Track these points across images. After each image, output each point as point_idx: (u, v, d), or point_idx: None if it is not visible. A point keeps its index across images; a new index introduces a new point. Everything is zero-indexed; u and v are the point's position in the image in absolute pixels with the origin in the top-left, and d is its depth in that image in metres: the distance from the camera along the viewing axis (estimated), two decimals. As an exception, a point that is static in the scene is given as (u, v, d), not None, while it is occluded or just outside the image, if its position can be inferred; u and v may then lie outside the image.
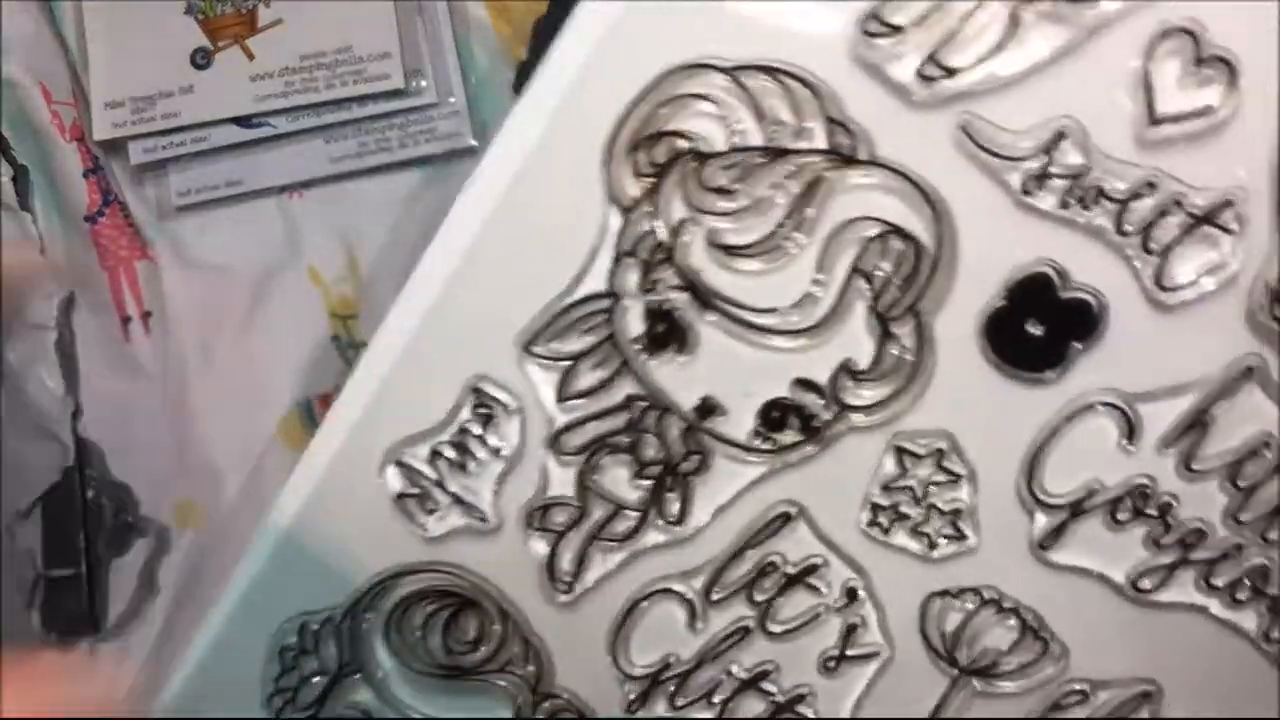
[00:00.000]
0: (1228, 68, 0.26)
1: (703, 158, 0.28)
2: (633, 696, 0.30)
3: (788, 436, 0.29)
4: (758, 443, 0.29)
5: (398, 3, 0.44)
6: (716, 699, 0.31)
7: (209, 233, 0.47)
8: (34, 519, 0.48)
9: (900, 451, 0.29)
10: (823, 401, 0.29)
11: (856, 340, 0.29)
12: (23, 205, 0.48)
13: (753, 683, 0.31)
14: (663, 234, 0.29)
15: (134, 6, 0.46)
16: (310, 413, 0.46)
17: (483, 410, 0.30)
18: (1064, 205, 0.27)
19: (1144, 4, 0.26)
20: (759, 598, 0.30)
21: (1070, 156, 0.27)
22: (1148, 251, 0.27)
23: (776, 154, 0.28)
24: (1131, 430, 0.28)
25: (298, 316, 0.47)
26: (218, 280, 0.47)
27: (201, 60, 0.46)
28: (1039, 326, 0.28)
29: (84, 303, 0.49)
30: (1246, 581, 0.29)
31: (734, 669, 0.30)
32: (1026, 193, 0.27)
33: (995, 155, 0.27)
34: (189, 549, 0.47)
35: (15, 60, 0.47)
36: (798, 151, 0.28)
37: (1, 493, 0.48)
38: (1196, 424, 0.28)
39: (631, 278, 0.29)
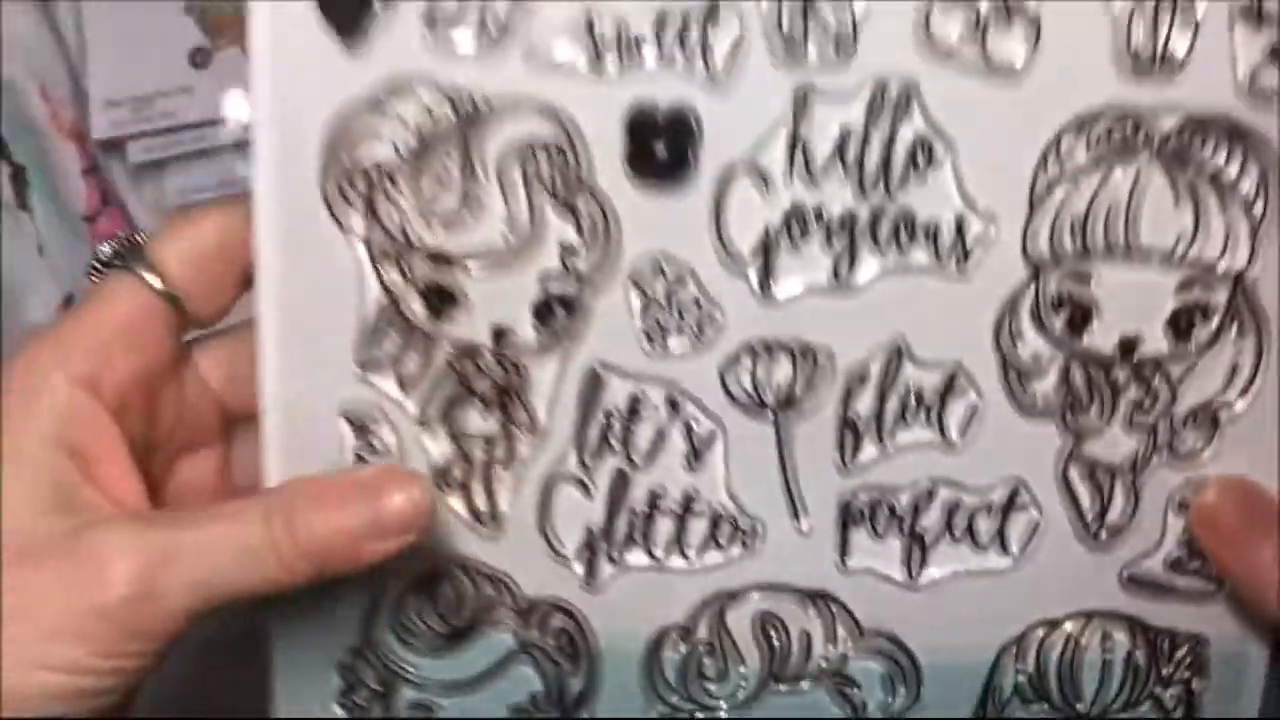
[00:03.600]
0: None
1: (386, 172, 0.34)
2: (582, 570, 0.39)
3: (560, 320, 0.36)
4: (545, 336, 0.36)
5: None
6: (638, 535, 0.39)
7: (207, 231, 0.48)
8: None
9: (636, 285, 0.36)
10: (568, 286, 0.35)
11: (560, 227, 0.35)
12: (21, 205, 0.48)
13: (654, 506, 0.38)
14: (399, 236, 0.35)
15: (133, 7, 0.46)
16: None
17: (364, 438, 0.38)
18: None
19: None
20: (615, 445, 0.38)
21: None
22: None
23: (428, 143, 0.34)
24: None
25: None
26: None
27: (200, 59, 0.46)
28: (661, 145, 0.34)
29: None
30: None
31: (637, 505, 0.38)
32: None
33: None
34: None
35: (15, 60, 0.47)
36: (440, 132, 0.34)
37: None
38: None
39: (395, 274, 0.35)
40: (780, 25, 0.34)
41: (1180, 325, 0.36)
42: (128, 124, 0.46)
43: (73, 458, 0.33)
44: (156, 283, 0.36)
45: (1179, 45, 0.34)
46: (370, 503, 0.33)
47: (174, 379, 0.37)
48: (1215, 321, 0.36)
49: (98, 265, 0.37)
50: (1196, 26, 0.34)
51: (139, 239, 0.37)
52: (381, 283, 0.36)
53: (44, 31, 0.47)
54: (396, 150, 0.35)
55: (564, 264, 0.35)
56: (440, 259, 0.35)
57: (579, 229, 0.35)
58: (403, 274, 0.36)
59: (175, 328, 0.37)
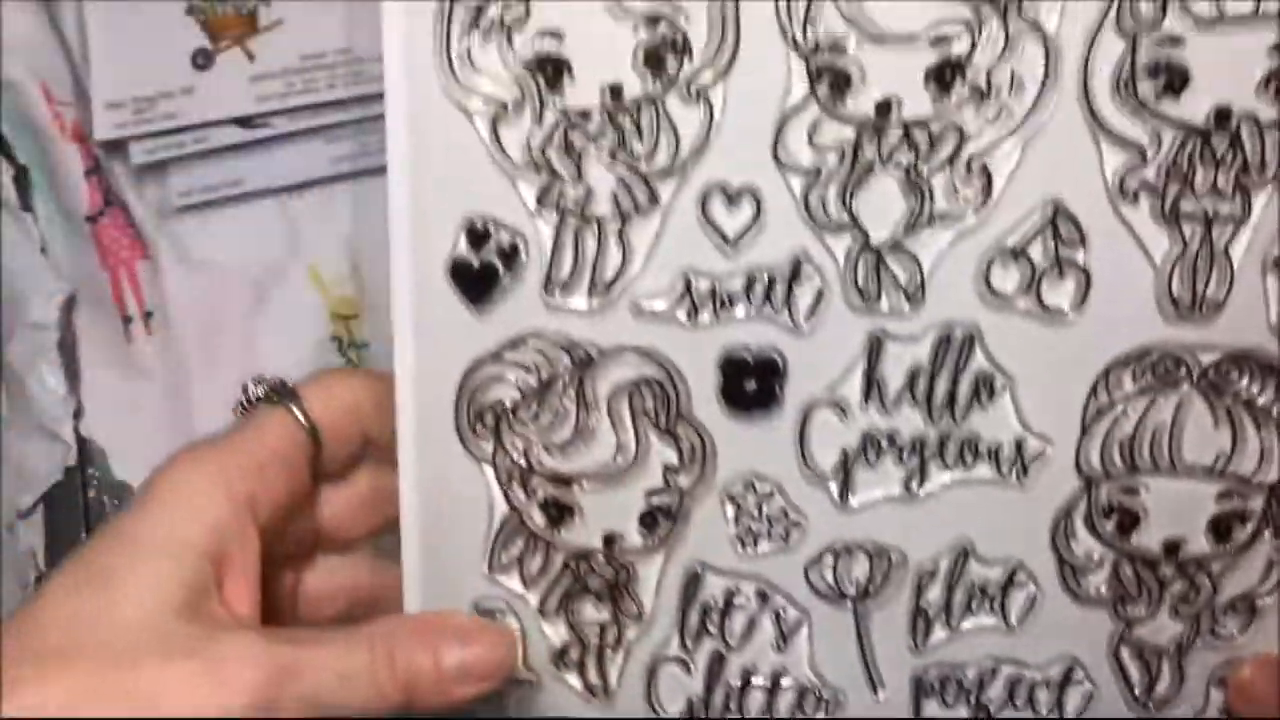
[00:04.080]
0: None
1: (510, 409, 0.39)
2: (686, 731, 0.44)
3: (663, 527, 0.41)
4: (650, 540, 0.42)
5: (399, 3, 0.43)
6: (733, 704, 0.44)
7: (210, 233, 0.47)
8: (36, 518, 0.49)
9: (730, 499, 0.41)
10: (670, 499, 0.42)
11: (662, 451, 0.41)
12: (24, 205, 0.48)
13: (747, 681, 0.44)
14: (521, 461, 0.40)
15: (135, 7, 0.45)
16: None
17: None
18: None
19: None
20: (713, 630, 0.43)
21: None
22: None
23: (547, 384, 0.39)
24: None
25: (298, 316, 0.47)
26: (219, 280, 0.47)
27: (202, 61, 0.45)
28: (751, 382, 0.39)
29: (85, 303, 0.48)
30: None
31: (732, 680, 0.44)
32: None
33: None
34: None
35: (16, 60, 0.46)
36: (557, 375, 0.39)
37: (3, 492, 0.48)
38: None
39: (519, 491, 0.41)
40: (856, 281, 0.39)
41: (1220, 529, 0.40)
42: (130, 125, 0.45)
43: (215, 568, 0.35)
44: (304, 419, 0.40)
45: (1217, 292, 0.38)
46: (461, 649, 0.38)
47: (304, 508, 0.42)
48: (1252, 525, 0.40)
49: (247, 401, 0.42)
50: (1232, 276, 0.38)
51: (287, 382, 0.42)
52: (507, 500, 0.41)
53: (46, 32, 0.46)
54: (519, 391, 0.40)
55: (666, 481, 0.41)
56: (558, 479, 0.40)
57: (679, 453, 0.40)
58: (525, 492, 0.41)
59: (314, 463, 0.41)
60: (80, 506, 0.48)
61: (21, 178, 0.48)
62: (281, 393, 0.41)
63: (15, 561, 0.49)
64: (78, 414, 0.48)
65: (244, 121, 0.46)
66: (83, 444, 0.48)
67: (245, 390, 0.40)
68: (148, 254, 0.48)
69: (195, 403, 0.48)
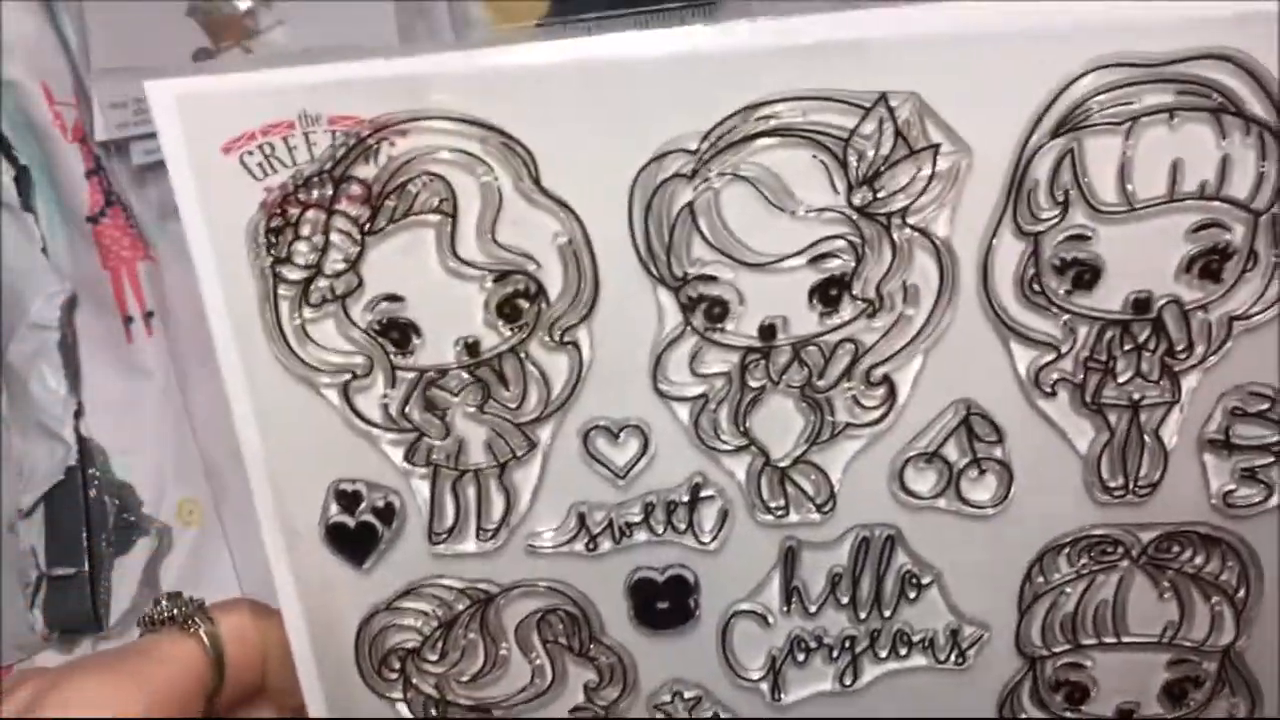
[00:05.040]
0: None
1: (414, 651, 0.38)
2: None
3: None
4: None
5: (398, 3, 0.44)
6: None
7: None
8: (37, 518, 0.48)
9: (658, 707, 0.39)
10: (596, 712, 0.39)
11: (580, 673, 0.39)
12: (25, 205, 0.48)
13: None
14: (434, 694, 0.38)
15: (136, 8, 0.46)
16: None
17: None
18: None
19: None
20: None
21: None
22: None
23: (449, 624, 0.37)
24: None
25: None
26: (219, 280, 0.44)
27: (203, 61, 0.45)
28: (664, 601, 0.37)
29: (86, 303, 0.49)
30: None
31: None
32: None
33: None
34: (191, 548, 0.48)
35: (17, 60, 0.46)
36: (458, 614, 0.37)
37: (4, 491, 0.48)
38: None
39: None
40: (762, 497, 0.36)
41: (1174, 693, 0.38)
42: (131, 125, 0.46)
43: None
44: (212, 653, 0.38)
45: (1150, 473, 0.35)
46: None
47: None
48: (1208, 687, 0.38)
49: (155, 616, 0.40)
50: (1166, 457, 0.35)
51: (204, 606, 0.40)
52: (420, 725, 0.39)
53: (47, 32, 0.47)
54: (420, 634, 0.38)
55: (590, 698, 0.39)
56: (476, 707, 0.39)
57: (598, 672, 0.38)
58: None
59: (211, 694, 0.38)
60: (80, 506, 0.48)
61: (22, 178, 0.48)
62: (195, 618, 0.38)
63: (15, 561, 0.48)
64: (78, 414, 0.48)
65: (244, 121, 0.45)
66: (83, 444, 0.48)
67: (156, 603, 0.38)
68: (148, 254, 0.48)
69: (195, 403, 0.48)
